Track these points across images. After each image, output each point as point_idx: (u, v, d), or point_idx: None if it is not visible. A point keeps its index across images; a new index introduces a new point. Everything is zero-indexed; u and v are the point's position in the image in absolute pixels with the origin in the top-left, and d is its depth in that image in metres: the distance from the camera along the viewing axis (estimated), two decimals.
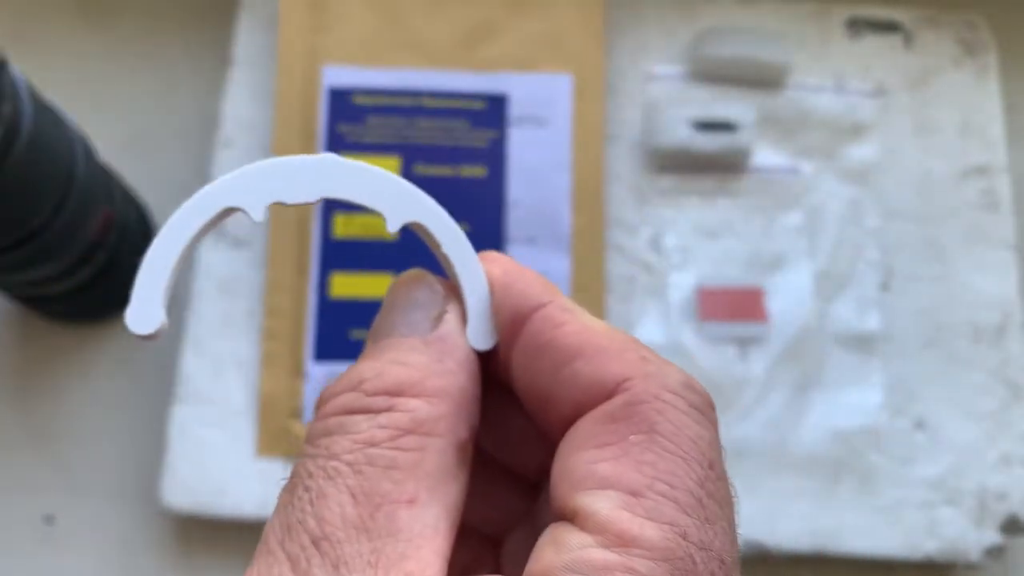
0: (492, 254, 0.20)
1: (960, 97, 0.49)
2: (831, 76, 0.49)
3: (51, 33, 0.53)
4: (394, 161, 0.47)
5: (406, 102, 0.47)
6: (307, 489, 0.17)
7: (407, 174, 0.46)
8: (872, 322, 0.45)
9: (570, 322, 0.19)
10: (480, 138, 0.47)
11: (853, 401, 0.44)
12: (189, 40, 0.53)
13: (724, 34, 0.48)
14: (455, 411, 0.18)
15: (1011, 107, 0.50)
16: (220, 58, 0.50)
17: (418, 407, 0.18)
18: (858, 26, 0.50)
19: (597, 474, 0.17)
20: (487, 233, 0.46)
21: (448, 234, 0.20)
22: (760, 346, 0.45)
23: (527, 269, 0.20)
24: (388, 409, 0.18)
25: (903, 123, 0.49)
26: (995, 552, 0.43)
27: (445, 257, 0.20)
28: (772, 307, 0.45)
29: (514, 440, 0.21)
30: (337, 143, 0.47)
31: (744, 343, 0.45)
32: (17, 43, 0.53)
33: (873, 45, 0.50)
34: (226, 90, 0.49)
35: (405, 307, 0.20)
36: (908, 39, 0.50)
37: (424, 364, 0.18)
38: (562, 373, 0.18)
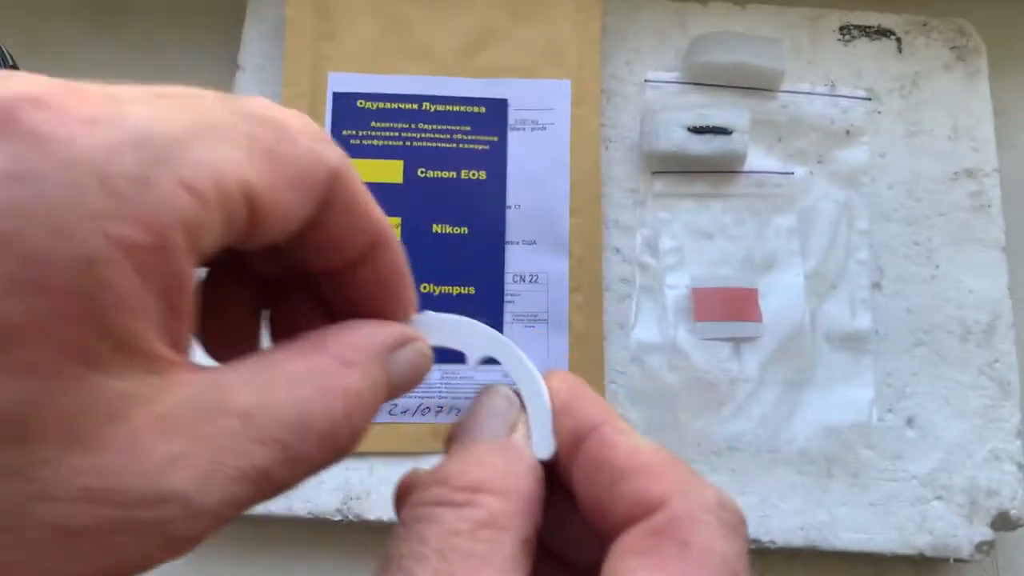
0: (559, 372, 0.24)
1: (951, 101, 0.50)
2: (824, 81, 0.50)
3: (61, 39, 0.54)
4: (397, 164, 0.48)
5: (409, 107, 0.48)
6: (400, 569, 0.20)
7: (410, 177, 0.47)
8: (864, 321, 0.46)
9: (622, 444, 0.22)
10: (481, 142, 0.48)
11: (845, 398, 0.45)
12: (197, 46, 0.54)
13: (718, 39, 0.49)
14: (523, 509, 0.21)
15: (1001, 110, 0.51)
16: (228, 64, 0.51)
17: (493, 504, 0.21)
18: (850, 32, 0.51)
19: None
20: (487, 234, 0.47)
21: (517, 364, 0.24)
22: (753, 345, 0.45)
23: (587, 389, 0.23)
24: (469, 504, 0.20)
25: (895, 126, 0.50)
26: (985, 547, 0.43)
27: (516, 382, 0.24)
28: (765, 307, 0.46)
29: (570, 536, 0.24)
30: (341, 147, 0.47)
31: (738, 342, 0.46)
32: (27, 49, 0.54)
33: (865, 50, 0.51)
34: (234, 95, 0.50)
35: (487, 414, 0.23)
36: (900, 44, 0.51)
37: (500, 466, 0.22)
38: (615, 489, 0.21)
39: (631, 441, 0.22)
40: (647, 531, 0.20)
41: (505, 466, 0.22)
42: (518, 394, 0.24)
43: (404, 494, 0.22)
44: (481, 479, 0.21)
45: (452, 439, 0.23)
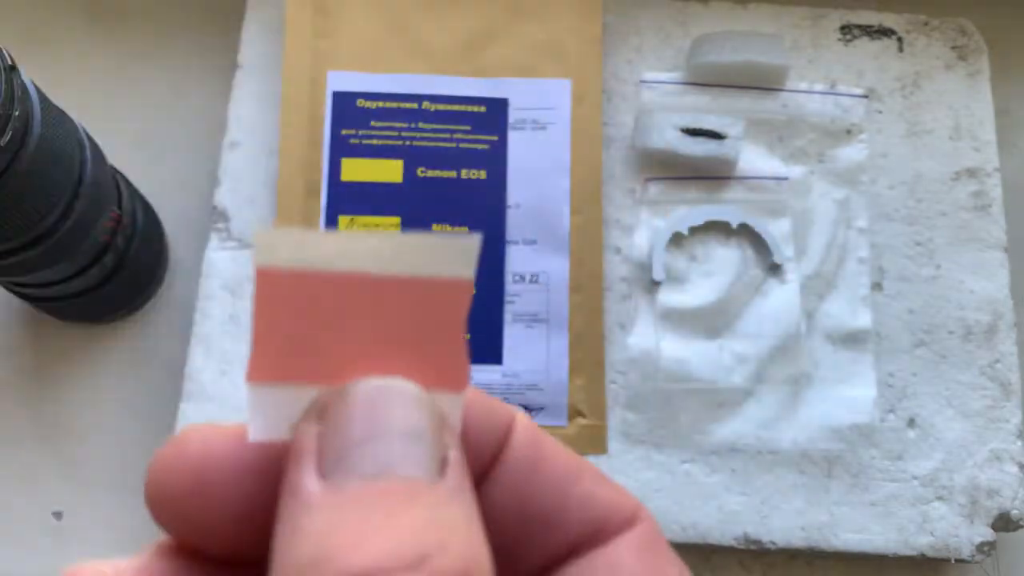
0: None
1: (952, 100, 0.50)
2: (825, 80, 0.50)
3: (60, 38, 0.54)
4: (397, 164, 0.47)
5: (409, 106, 0.48)
6: None
7: (409, 176, 0.47)
8: (864, 321, 0.46)
9: (548, 441, 0.17)
10: (481, 141, 0.48)
11: (846, 399, 0.45)
12: (197, 45, 0.54)
13: (721, 39, 0.49)
14: None
15: (1002, 111, 0.51)
16: (227, 62, 0.51)
17: None
18: (851, 31, 0.51)
19: None
20: (488, 234, 0.47)
21: None
22: (752, 346, 0.45)
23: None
24: None
25: (896, 126, 0.50)
26: (986, 548, 0.43)
27: None
28: (765, 306, 0.46)
29: None
30: (341, 147, 0.47)
31: (736, 343, 0.46)
32: (26, 48, 0.54)
33: (866, 50, 0.51)
34: (233, 94, 0.50)
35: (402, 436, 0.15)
36: (901, 44, 0.51)
37: (474, 535, 0.14)
38: (574, 491, 0.16)
39: (548, 437, 0.17)
40: (644, 546, 0.16)
41: (473, 532, 0.14)
42: None
43: None
44: (472, 557, 0.14)
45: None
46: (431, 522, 0.13)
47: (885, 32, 0.51)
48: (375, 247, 0.15)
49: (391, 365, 0.15)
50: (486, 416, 0.16)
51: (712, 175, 0.48)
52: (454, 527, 0.14)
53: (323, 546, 0.13)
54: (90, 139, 0.41)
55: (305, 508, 0.14)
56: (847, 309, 0.46)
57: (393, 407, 0.15)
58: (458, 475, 0.15)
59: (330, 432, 0.14)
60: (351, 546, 0.13)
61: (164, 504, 0.15)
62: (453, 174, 0.47)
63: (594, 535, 0.16)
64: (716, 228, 0.47)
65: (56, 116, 0.37)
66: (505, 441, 0.16)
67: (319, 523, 0.13)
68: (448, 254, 0.15)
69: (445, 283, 0.15)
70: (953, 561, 0.44)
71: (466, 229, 0.47)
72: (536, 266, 0.47)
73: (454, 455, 0.15)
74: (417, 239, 0.15)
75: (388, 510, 0.13)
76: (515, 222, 0.47)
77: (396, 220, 0.47)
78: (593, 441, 0.45)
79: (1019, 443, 0.45)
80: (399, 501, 0.14)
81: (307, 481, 0.14)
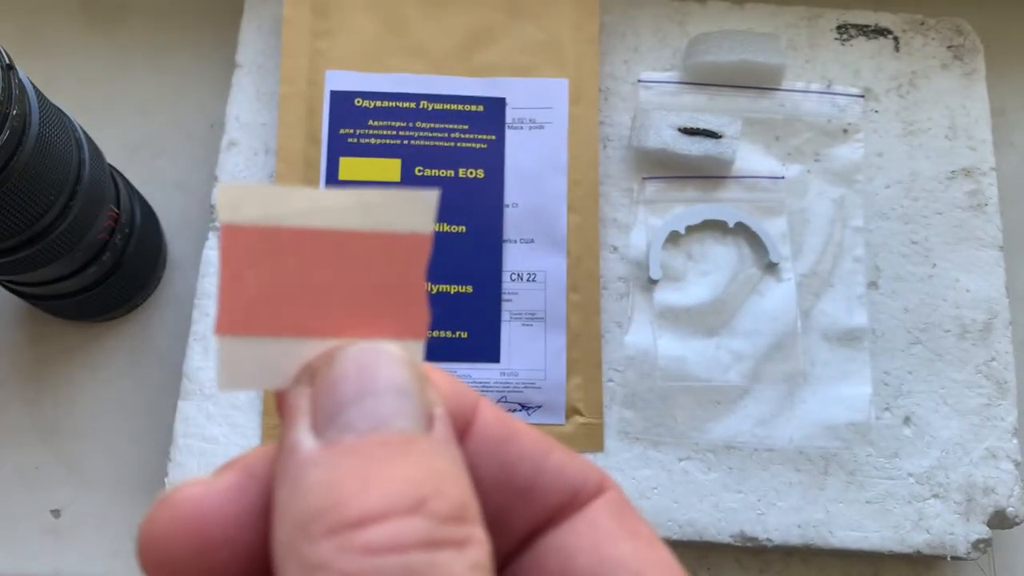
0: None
1: (948, 100, 0.50)
2: (821, 80, 0.50)
3: (58, 37, 0.54)
4: (395, 163, 0.48)
5: (407, 106, 0.48)
6: None
7: (407, 176, 0.47)
8: (860, 319, 0.46)
9: (512, 418, 0.18)
10: (479, 141, 0.48)
11: (842, 397, 0.45)
12: (194, 44, 0.54)
13: (718, 38, 0.49)
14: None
15: (998, 110, 0.51)
16: (225, 62, 0.51)
17: (484, 537, 0.15)
18: (848, 31, 0.51)
19: (663, 560, 0.17)
20: (485, 233, 0.47)
21: None
22: (749, 345, 0.45)
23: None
24: (468, 541, 0.14)
25: (892, 125, 0.50)
26: (982, 545, 0.44)
27: None
28: (762, 305, 0.46)
29: None
30: (339, 146, 0.48)
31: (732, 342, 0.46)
32: (24, 47, 0.54)
33: (863, 49, 0.51)
34: (231, 93, 0.50)
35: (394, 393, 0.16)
36: (897, 43, 0.51)
37: (464, 478, 0.15)
38: (548, 463, 0.17)
39: (514, 417, 0.18)
40: (616, 511, 0.17)
41: (462, 474, 0.15)
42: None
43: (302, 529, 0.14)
44: (465, 501, 0.15)
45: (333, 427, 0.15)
46: (426, 469, 0.15)
47: (881, 32, 0.51)
48: (338, 203, 0.16)
49: (355, 316, 0.16)
50: (452, 393, 0.17)
51: (709, 174, 0.48)
52: (447, 474, 0.15)
53: (326, 496, 0.14)
54: (88, 138, 0.41)
55: (304, 464, 0.15)
56: (843, 307, 0.46)
57: (381, 368, 0.16)
58: (445, 429, 0.16)
59: (322, 393, 0.15)
60: (353, 494, 0.14)
61: (162, 571, 0.16)
62: (451, 173, 0.48)
63: (570, 502, 0.17)
64: (713, 227, 0.48)
65: (54, 115, 0.37)
66: (472, 417, 0.17)
67: (319, 476, 0.14)
68: (409, 209, 0.16)
69: (406, 237, 0.16)
70: (949, 558, 0.44)
71: (464, 228, 0.47)
72: (534, 265, 0.47)
73: (439, 411, 0.16)
74: (378, 195, 0.16)
75: (384, 460, 0.14)
76: (513, 221, 0.47)
77: None
78: (590, 439, 0.45)
79: (1014, 441, 0.45)
80: (394, 451, 0.15)
81: (304, 439, 0.15)
